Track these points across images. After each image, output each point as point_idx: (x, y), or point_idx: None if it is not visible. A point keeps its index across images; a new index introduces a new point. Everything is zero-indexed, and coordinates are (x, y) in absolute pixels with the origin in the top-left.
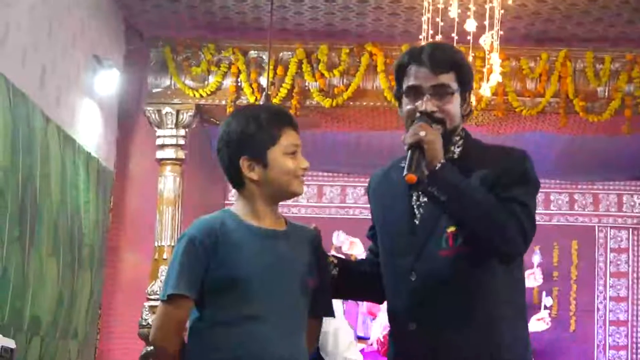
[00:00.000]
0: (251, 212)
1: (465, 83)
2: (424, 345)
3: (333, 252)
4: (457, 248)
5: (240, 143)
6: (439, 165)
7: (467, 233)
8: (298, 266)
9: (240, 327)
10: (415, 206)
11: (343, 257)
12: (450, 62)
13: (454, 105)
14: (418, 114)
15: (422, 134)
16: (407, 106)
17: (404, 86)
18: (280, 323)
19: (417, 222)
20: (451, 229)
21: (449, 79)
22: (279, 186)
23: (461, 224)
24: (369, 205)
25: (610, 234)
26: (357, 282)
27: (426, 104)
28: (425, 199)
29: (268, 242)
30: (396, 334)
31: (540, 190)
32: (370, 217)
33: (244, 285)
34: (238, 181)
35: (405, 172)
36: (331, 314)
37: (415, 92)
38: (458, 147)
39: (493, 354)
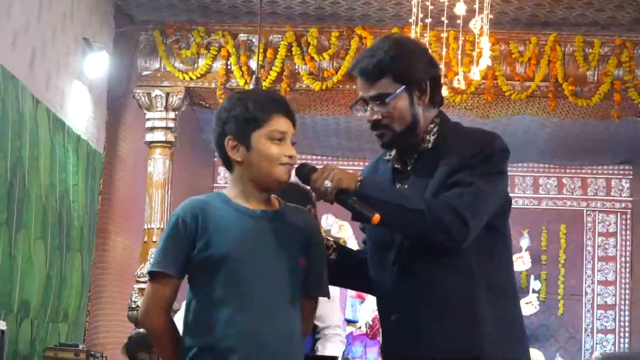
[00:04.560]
0: (241, 194)
1: (408, 79)
2: (405, 335)
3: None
4: None
5: (227, 123)
6: (358, 186)
7: (407, 235)
8: (287, 246)
9: (230, 306)
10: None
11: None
12: (378, 68)
13: (399, 107)
14: (370, 124)
15: (327, 184)
16: (363, 115)
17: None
18: (269, 301)
19: None
20: None
21: (384, 84)
22: (260, 171)
23: (399, 230)
24: None
25: (598, 218)
26: (354, 269)
27: (368, 114)
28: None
29: (256, 222)
30: (383, 324)
31: (529, 174)
32: None
33: (231, 264)
34: (227, 161)
35: (369, 221)
36: (326, 294)
37: (363, 103)
38: (433, 134)
39: (474, 343)
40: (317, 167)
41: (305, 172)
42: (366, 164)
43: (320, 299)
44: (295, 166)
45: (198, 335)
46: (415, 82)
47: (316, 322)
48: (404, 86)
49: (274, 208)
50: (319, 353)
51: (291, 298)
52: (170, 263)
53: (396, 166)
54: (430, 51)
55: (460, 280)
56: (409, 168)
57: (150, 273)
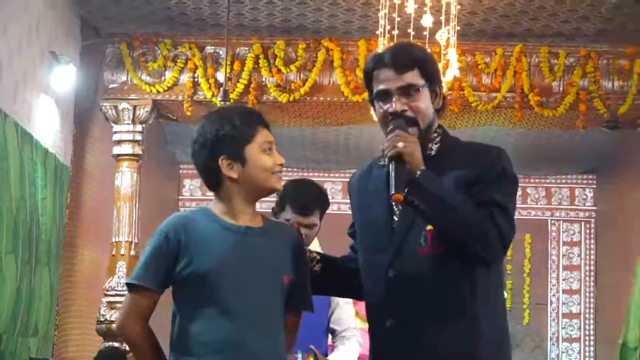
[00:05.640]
0: (228, 211)
1: (432, 77)
2: (401, 341)
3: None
4: (436, 246)
5: (218, 143)
6: (419, 174)
7: (447, 238)
8: (271, 262)
9: (213, 321)
10: (394, 204)
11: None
12: (411, 59)
13: (424, 101)
14: (390, 117)
15: (400, 145)
16: (379, 110)
17: (374, 91)
18: (253, 318)
19: (396, 219)
20: (430, 227)
21: (413, 76)
22: (258, 182)
23: (441, 231)
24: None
25: (562, 227)
26: (339, 277)
27: (395, 105)
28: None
29: (240, 238)
30: (374, 331)
31: None
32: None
33: (215, 280)
34: (215, 182)
35: (392, 192)
36: (309, 308)
37: (385, 96)
38: (435, 143)
39: (471, 351)
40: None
41: (399, 124)
42: (332, 176)
43: (340, 303)
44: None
45: (181, 350)
46: (437, 81)
47: (334, 326)
48: (428, 82)
49: (259, 224)
50: (338, 352)
51: (275, 313)
52: (150, 277)
53: None
54: None
55: (460, 288)
56: None
57: (128, 285)
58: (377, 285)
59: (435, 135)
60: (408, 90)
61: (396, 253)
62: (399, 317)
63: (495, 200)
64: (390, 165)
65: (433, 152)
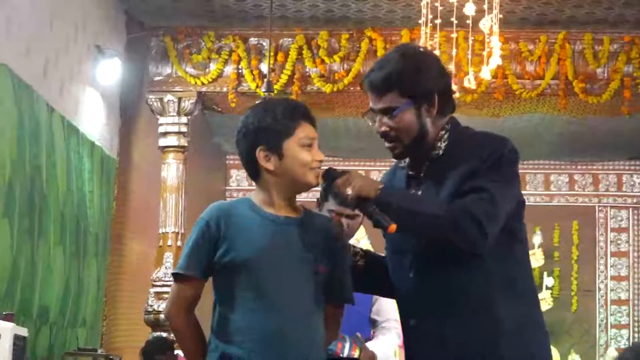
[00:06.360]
0: (267, 201)
1: (415, 93)
2: (424, 340)
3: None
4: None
5: (257, 134)
6: (377, 195)
7: (428, 240)
8: (308, 252)
9: (251, 311)
10: None
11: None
12: (386, 84)
13: (406, 120)
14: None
15: (348, 191)
16: (373, 127)
17: None
18: (290, 306)
19: None
20: None
21: (391, 99)
22: (294, 177)
23: (418, 235)
24: None
25: (610, 214)
26: (381, 275)
27: (377, 126)
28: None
29: (278, 228)
30: (403, 329)
31: (540, 171)
32: None
33: (252, 269)
34: (254, 172)
35: (386, 230)
36: (349, 300)
37: (373, 114)
38: (444, 141)
39: (492, 346)
40: (342, 171)
41: (331, 176)
42: (374, 164)
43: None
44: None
45: (221, 338)
46: (423, 96)
47: (375, 317)
48: (410, 100)
49: (298, 215)
50: (376, 341)
51: (313, 304)
52: (193, 266)
53: (410, 173)
54: (440, 61)
55: (477, 283)
56: (422, 175)
57: (174, 275)
58: (401, 285)
59: (443, 132)
60: (387, 112)
61: (416, 252)
62: (420, 316)
63: (480, 186)
64: (366, 213)
65: (441, 152)
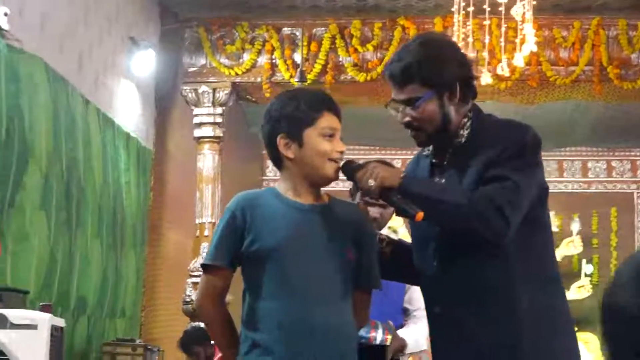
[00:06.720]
0: (291, 188)
1: (436, 83)
2: (447, 327)
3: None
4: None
5: (279, 121)
6: (400, 183)
7: (451, 229)
8: (335, 239)
9: (280, 299)
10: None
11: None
12: (405, 74)
13: (429, 110)
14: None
15: (371, 182)
16: (396, 117)
17: None
18: (318, 294)
19: None
20: None
21: (412, 89)
22: (312, 167)
23: (441, 225)
24: None
25: None
26: (408, 263)
27: (400, 117)
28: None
29: (304, 216)
30: (428, 316)
31: (578, 158)
32: None
33: (279, 257)
34: (277, 159)
35: (413, 218)
36: (377, 285)
37: (396, 104)
38: (466, 129)
39: (513, 333)
40: (361, 163)
41: (350, 169)
42: (408, 153)
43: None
44: (341, 163)
45: (250, 327)
46: (444, 85)
47: (406, 305)
48: (432, 90)
49: (324, 202)
50: (407, 329)
51: (341, 290)
52: (221, 256)
53: (433, 161)
54: (459, 48)
55: (498, 271)
56: (445, 163)
57: (203, 266)
58: (425, 273)
59: (466, 120)
60: (409, 102)
61: (439, 241)
62: (444, 304)
63: (503, 175)
64: (392, 203)
65: (464, 140)
